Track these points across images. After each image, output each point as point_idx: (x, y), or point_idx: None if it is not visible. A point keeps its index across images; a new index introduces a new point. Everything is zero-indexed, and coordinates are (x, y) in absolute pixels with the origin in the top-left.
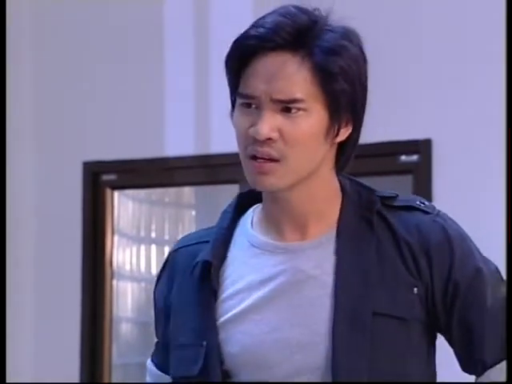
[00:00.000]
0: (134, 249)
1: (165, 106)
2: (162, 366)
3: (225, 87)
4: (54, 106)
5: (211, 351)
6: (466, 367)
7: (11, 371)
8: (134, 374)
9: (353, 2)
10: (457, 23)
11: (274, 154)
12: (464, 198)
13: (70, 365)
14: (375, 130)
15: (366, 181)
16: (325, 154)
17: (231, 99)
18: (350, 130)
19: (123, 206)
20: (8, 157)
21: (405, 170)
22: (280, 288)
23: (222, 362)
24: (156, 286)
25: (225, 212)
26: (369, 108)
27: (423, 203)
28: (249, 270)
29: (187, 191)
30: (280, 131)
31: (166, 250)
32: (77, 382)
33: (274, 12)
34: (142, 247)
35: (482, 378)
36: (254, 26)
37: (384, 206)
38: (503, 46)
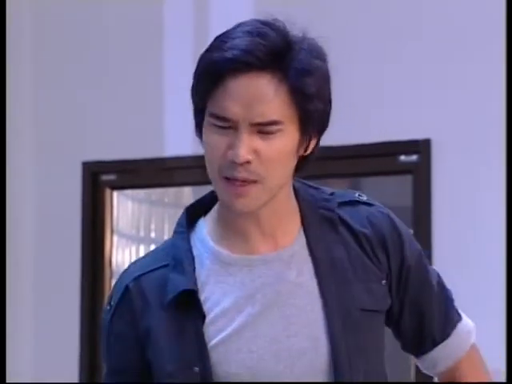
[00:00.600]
0: (134, 249)
1: (164, 106)
2: None
3: None
4: (53, 106)
5: (206, 376)
6: (411, 346)
7: (11, 371)
8: None
9: (352, 2)
10: (457, 23)
11: (251, 176)
12: (463, 198)
13: (70, 365)
14: (375, 130)
15: (366, 181)
16: (292, 169)
17: (197, 118)
18: (314, 143)
19: (122, 206)
20: (8, 157)
21: (404, 169)
22: (268, 301)
23: None
24: (114, 315)
25: (179, 232)
26: (369, 109)
27: (361, 196)
28: (229, 288)
29: (187, 191)
30: (256, 152)
31: None
32: (76, 381)
33: (242, 31)
34: (142, 247)
35: (432, 354)
36: (224, 45)
37: (338, 204)
38: (503, 46)
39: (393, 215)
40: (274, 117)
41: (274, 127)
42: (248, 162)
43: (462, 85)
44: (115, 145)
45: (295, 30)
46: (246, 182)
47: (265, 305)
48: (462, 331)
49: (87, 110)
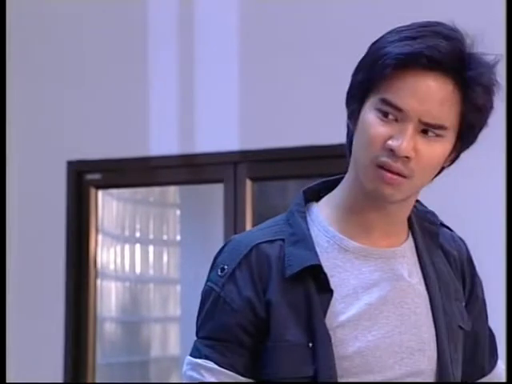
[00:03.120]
0: (119, 248)
1: (149, 105)
2: (242, 369)
3: (209, 87)
4: (37, 106)
5: (323, 353)
6: (462, 376)
7: (11, 369)
8: (118, 374)
9: (341, 2)
10: (456, 22)
11: (405, 171)
12: (462, 198)
13: (54, 365)
14: None
15: None
16: None
17: (354, 105)
18: (456, 156)
19: (107, 205)
20: None
21: None
22: (385, 296)
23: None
24: (229, 279)
25: (298, 211)
26: None
27: (440, 220)
28: (347, 274)
29: (172, 190)
30: (416, 151)
31: (151, 249)
32: (61, 382)
33: (429, 30)
34: (127, 246)
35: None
36: (411, 40)
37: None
38: (503, 45)
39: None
40: (443, 122)
41: (440, 132)
42: (407, 158)
43: None
44: (100, 144)
45: (468, 40)
46: (399, 174)
47: (381, 298)
48: (501, 367)
49: (71, 110)
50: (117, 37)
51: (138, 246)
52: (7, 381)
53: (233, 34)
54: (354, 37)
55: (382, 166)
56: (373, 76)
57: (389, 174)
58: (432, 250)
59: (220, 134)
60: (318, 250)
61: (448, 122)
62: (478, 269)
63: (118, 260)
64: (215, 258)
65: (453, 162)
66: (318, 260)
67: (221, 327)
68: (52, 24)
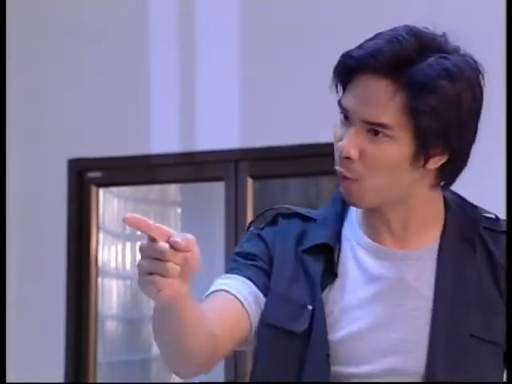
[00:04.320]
0: (119, 246)
1: (150, 103)
2: (257, 283)
3: (210, 85)
4: (38, 104)
5: (318, 317)
6: None
7: (11, 369)
8: (119, 372)
9: (338, 4)
10: (456, 21)
11: (349, 173)
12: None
13: (55, 363)
14: None
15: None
16: (417, 178)
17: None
18: (444, 159)
19: (108, 203)
20: None
21: None
22: (382, 292)
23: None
24: (264, 228)
25: (335, 199)
26: None
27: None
28: (352, 266)
29: (172, 188)
30: (361, 151)
31: None
32: (61, 380)
33: (386, 34)
34: (128, 245)
35: None
36: (363, 44)
37: (484, 228)
38: (503, 44)
39: None
40: (384, 120)
41: (383, 130)
42: (348, 158)
43: None
44: (101, 142)
45: (445, 45)
46: (349, 178)
47: (377, 294)
48: None
49: (72, 108)
50: (117, 35)
51: (138, 244)
52: (8, 380)
53: (233, 32)
54: (355, 36)
55: (337, 171)
56: (335, 83)
57: (341, 180)
58: (466, 258)
59: (221, 132)
60: (342, 238)
61: (391, 121)
62: None
63: (119, 258)
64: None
65: (447, 162)
66: (331, 240)
67: (254, 248)
68: (52, 23)
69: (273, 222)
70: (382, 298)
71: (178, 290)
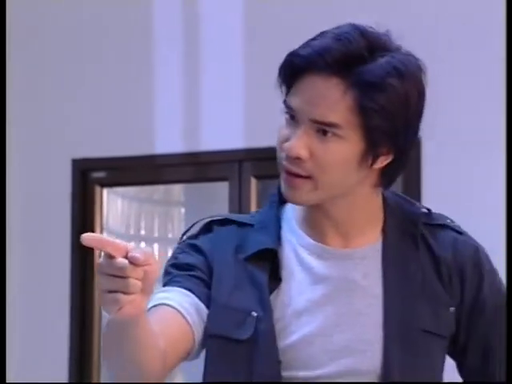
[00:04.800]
0: None
1: (154, 103)
2: (198, 294)
3: (214, 85)
4: (42, 104)
5: (265, 323)
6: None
7: (11, 369)
8: None
9: (343, 4)
10: (457, 20)
11: (302, 172)
12: (452, 196)
13: (59, 364)
14: None
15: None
16: (362, 177)
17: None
18: (390, 158)
19: (112, 203)
20: None
21: None
22: (329, 294)
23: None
24: (198, 237)
25: (271, 201)
26: None
27: (451, 222)
28: (297, 269)
29: (176, 189)
30: (311, 152)
31: (156, 247)
32: (65, 380)
33: (332, 32)
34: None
35: None
36: (309, 43)
37: (421, 223)
38: (503, 43)
39: (482, 251)
40: (332, 119)
41: (332, 130)
42: (299, 159)
43: (452, 84)
44: (105, 142)
45: (390, 43)
46: (299, 176)
47: (325, 296)
48: None
49: (76, 108)
50: (121, 35)
51: (143, 244)
52: (12, 380)
53: (237, 32)
54: None
55: (284, 169)
56: (280, 82)
57: (288, 177)
58: (409, 253)
59: (225, 133)
60: (282, 241)
61: (338, 119)
62: None
63: None
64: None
65: (391, 162)
66: (273, 244)
67: (190, 259)
68: (56, 22)
69: (207, 229)
70: (331, 299)
71: (140, 305)
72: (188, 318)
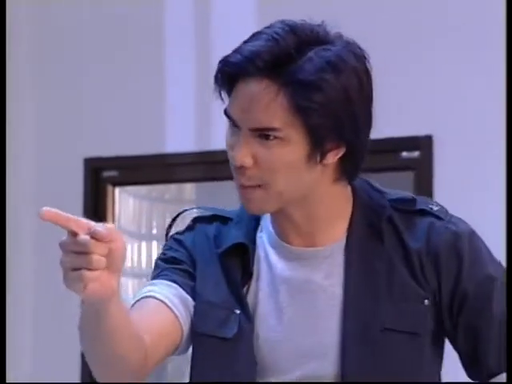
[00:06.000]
0: (135, 245)
1: (166, 102)
2: (183, 287)
3: None
4: (54, 103)
5: (246, 322)
6: (472, 374)
7: (11, 370)
8: None
9: (351, 3)
10: (457, 20)
11: (251, 182)
12: (465, 195)
13: (71, 363)
14: (376, 126)
15: (368, 177)
16: (317, 175)
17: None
18: (341, 152)
19: (124, 202)
20: (9, 154)
21: (406, 166)
22: (292, 296)
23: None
24: (184, 233)
25: None
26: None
27: (435, 207)
28: (265, 268)
29: (188, 188)
30: (255, 158)
31: None
32: (78, 380)
33: (263, 33)
34: (143, 244)
35: None
36: (238, 48)
37: (396, 211)
38: (504, 43)
39: (464, 235)
40: (270, 123)
41: (272, 133)
42: (243, 167)
43: (462, 81)
44: (117, 141)
45: (325, 35)
46: (249, 185)
47: (287, 298)
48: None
49: (89, 107)
50: (133, 34)
51: (154, 243)
52: (25, 380)
53: (249, 31)
54: (358, 36)
55: (235, 180)
56: (217, 90)
57: (242, 190)
58: (374, 247)
59: None
60: (257, 238)
61: (276, 123)
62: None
63: (135, 257)
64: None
65: (345, 155)
66: (245, 240)
67: (176, 254)
68: (70, 22)
69: (191, 227)
70: (293, 302)
71: (107, 283)
72: (174, 309)
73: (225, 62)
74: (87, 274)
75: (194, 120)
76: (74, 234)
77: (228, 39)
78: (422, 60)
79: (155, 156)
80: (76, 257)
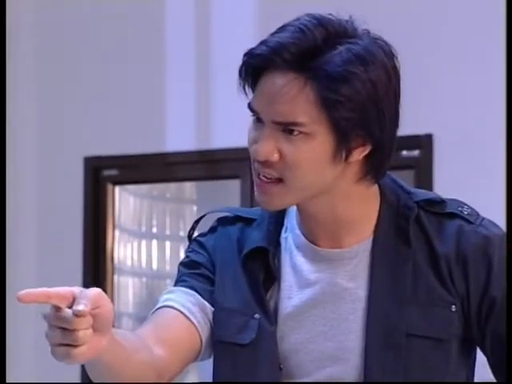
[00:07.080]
0: (135, 244)
1: (166, 101)
2: (201, 293)
3: (226, 83)
4: (55, 102)
5: (267, 325)
6: (501, 380)
7: (11, 370)
8: None
9: (351, 3)
10: (457, 20)
11: (275, 174)
12: (464, 194)
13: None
14: None
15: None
16: (339, 173)
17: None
18: (368, 149)
19: (124, 201)
20: (9, 153)
21: (406, 165)
22: (317, 298)
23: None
24: (206, 235)
25: None
26: None
27: (465, 210)
28: (289, 271)
29: (188, 186)
30: (280, 153)
31: (167, 245)
32: (78, 380)
33: (291, 25)
34: (143, 242)
35: None
36: (262, 42)
37: (425, 212)
38: (503, 43)
39: (495, 239)
40: (295, 118)
41: (297, 128)
42: (267, 161)
43: (463, 80)
44: (117, 140)
45: (353, 30)
46: (270, 179)
47: (312, 300)
48: None
49: (89, 106)
50: (134, 33)
51: (154, 242)
52: (25, 379)
53: (249, 31)
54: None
55: (255, 173)
56: (244, 85)
57: (260, 183)
58: (401, 250)
59: (236, 130)
60: (281, 240)
61: (301, 117)
62: None
63: (135, 256)
64: None
65: (371, 153)
66: (266, 243)
67: (197, 258)
68: (71, 21)
69: (214, 228)
70: (317, 305)
71: (97, 346)
72: (191, 317)
73: (250, 55)
74: (73, 351)
75: (194, 119)
76: (57, 308)
77: (228, 39)
78: (423, 59)
79: (155, 155)
80: (61, 332)
